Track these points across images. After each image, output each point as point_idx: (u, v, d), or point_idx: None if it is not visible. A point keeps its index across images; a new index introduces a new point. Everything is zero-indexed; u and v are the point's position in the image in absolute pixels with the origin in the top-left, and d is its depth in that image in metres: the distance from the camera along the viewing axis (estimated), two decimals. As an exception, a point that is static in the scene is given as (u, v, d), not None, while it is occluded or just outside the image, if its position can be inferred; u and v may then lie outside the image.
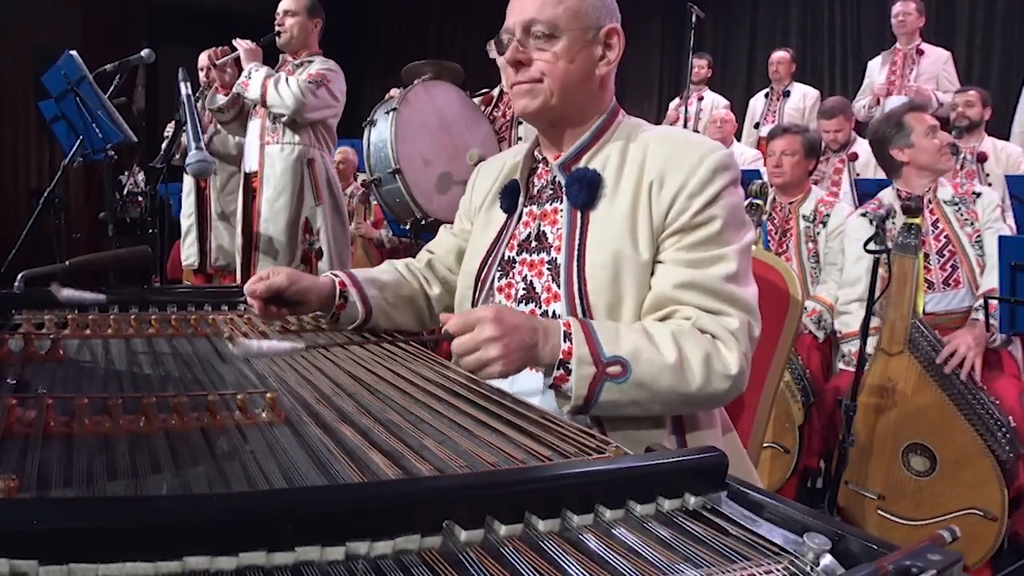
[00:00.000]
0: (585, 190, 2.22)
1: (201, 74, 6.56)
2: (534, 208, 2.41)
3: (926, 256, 4.69)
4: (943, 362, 4.21)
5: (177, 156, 6.70)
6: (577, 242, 2.22)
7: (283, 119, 5.72)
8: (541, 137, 2.44)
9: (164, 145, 6.54)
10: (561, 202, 2.31)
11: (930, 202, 4.74)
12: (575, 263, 2.19)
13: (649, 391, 1.96)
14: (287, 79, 5.60)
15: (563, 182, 2.31)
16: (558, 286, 2.23)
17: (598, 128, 2.33)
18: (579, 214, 2.24)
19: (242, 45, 5.84)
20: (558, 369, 1.96)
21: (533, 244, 2.35)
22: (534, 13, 2.19)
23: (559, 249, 2.26)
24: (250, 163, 6.00)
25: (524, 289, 2.32)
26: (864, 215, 4.88)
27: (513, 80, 2.28)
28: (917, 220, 4.21)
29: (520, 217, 2.44)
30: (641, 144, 2.25)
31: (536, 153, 2.48)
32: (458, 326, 1.94)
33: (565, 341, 1.97)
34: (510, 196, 2.47)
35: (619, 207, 2.18)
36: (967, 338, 4.24)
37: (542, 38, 2.20)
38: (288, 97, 5.55)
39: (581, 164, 2.30)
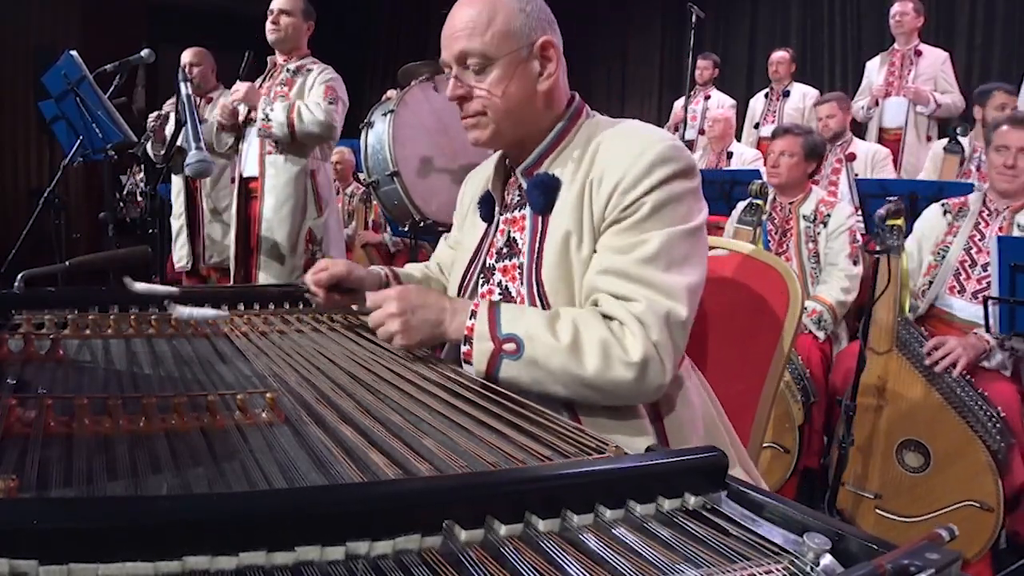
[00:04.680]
0: (543, 195, 2.27)
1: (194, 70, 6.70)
2: (507, 215, 2.45)
3: (972, 264, 4.70)
4: (928, 353, 4.25)
5: (160, 153, 6.72)
6: (537, 245, 2.27)
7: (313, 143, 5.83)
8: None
9: (147, 132, 6.59)
10: (527, 208, 2.35)
11: (1005, 219, 4.68)
12: (534, 265, 2.26)
13: (544, 371, 2.04)
14: (305, 107, 5.66)
15: (526, 188, 2.35)
16: (524, 289, 2.29)
17: (557, 133, 2.35)
18: (540, 218, 2.29)
19: (239, 91, 5.86)
20: (464, 344, 2.12)
21: (505, 251, 2.41)
22: (464, 45, 2.23)
23: (524, 254, 2.32)
24: (249, 168, 6.03)
25: (500, 294, 2.38)
26: (942, 205, 4.91)
27: (461, 115, 2.33)
28: (899, 222, 4.21)
29: (497, 226, 2.48)
30: (596, 143, 2.26)
31: (507, 161, 2.51)
32: (372, 302, 2.26)
33: (471, 319, 2.12)
34: (486, 206, 2.54)
35: (568, 206, 2.22)
36: (960, 340, 4.26)
37: (476, 70, 2.24)
38: (317, 126, 5.64)
39: (542, 169, 2.34)
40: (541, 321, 2.06)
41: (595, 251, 2.18)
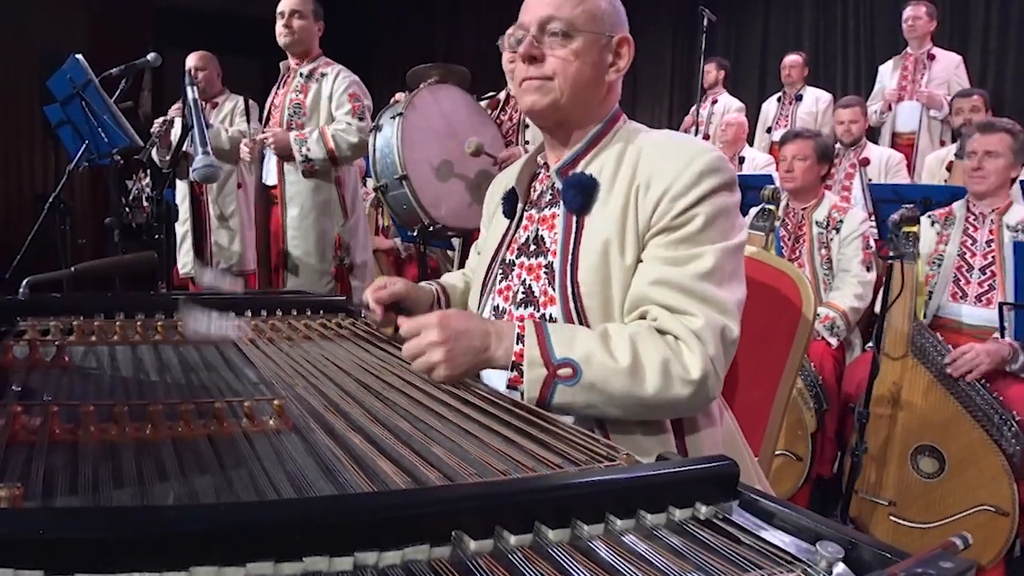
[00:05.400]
0: (580, 195, 2.23)
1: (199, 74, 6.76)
2: (534, 212, 2.43)
3: (969, 269, 4.74)
4: (951, 361, 4.25)
5: (166, 159, 6.73)
6: (571, 246, 2.23)
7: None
8: (545, 138, 2.45)
9: (152, 137, 6.59)
10: (559, 207, 2.32)
11: (992, 222, 4.77)
12: (568, 267, 2.22)
13: (602, 394, 1.98)
14: (340, 133, 5.71)
15: (560, 187, 2.32)
16: (554, 290, 2.24)
17: (596, 133, 2.33)
18: (574, 219, 2.26)
19: (269, 139, 5.91)
20: (512, 371, 2.02)
21: (532, 248, 2.37)
22: (552, 10, 2.19)
23: (555, 253, 2.28)
24: (269, 176, 6.05)
25: (523, 293, 2.34)
26: (928, 216, 4.95)
27: (524, 75, 2.28)
28: (914, 228, 4.23)
29: (520, 221, 2.47)
30: (636, 148, 2.25)
31: (539, 159, 2.50)
32: (408, 330, 2.06)
33: (518, 343, 2.02)
34: (509, 202, 2.52)
35: (611, 211, 2.18)
36: (982, 346, 4.26)
37: (558, 36, 2.20)
38: (353, 150, 5.76)
39: (578, 169, 2.31)
40: (596, 342, 2.01)
41: (639, 259, 2.16)
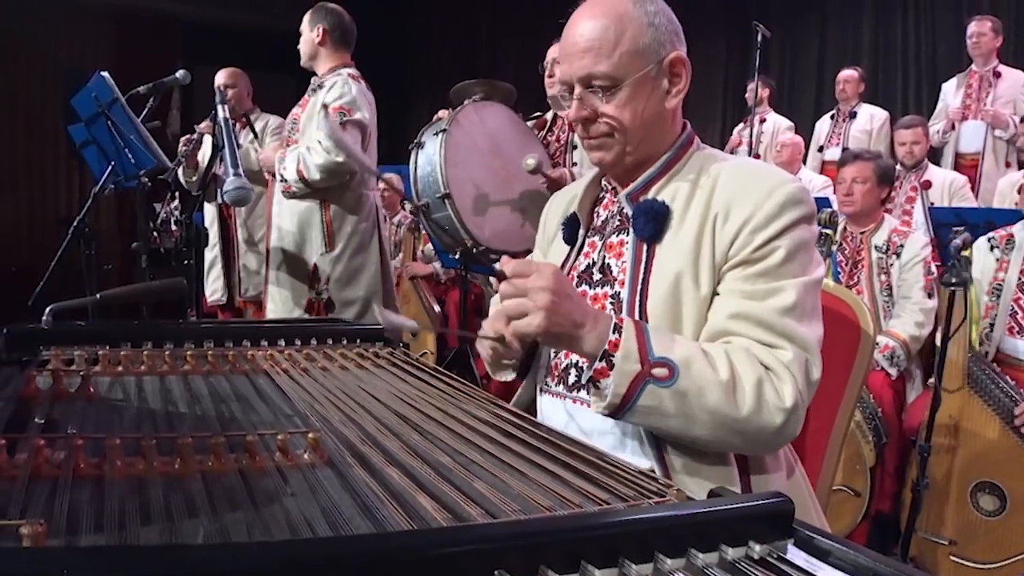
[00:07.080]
0: (652, 222, 2.20)
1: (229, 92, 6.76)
2: (597, 239, 2.40)
3: None
4: (1020, 413, 4.21)
5: (193, 180, 6.75)
6: (641, 276, 2.20)
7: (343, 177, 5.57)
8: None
9: (178, 157, 6.60)
10: (628, 234, 2.29)
11: None
12: (637, 297, 2.18)
13: (693, 405, 1.94)
14: (308, 153, 5.41)
15: (630, 213, 2.29)
16: None
17: (669, 159, 2.30)
18: (645, 247, 2.23)
19: (262, 156, 5.98)
20: (600, 360, 1.97)
21: (596, 277, 2.34)
22: (590, 68, 2.17)
23: (623, 283, 2.24)
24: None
25: None
26: (988, 239, 4.84)
27: (582, 135, 2.28)
28: (967, 253, 4.17)
29: (581, 248, 2.44)
30: (712, 175, 2.22)
31: (604, 182, 2.48)
32: (516, 269, 1.97)
33: (614, 333, 1.98)
34: (570, 227, 2.48)
35: (684, 240, 2.16)
36: None
37: (602, 92, 2.18)
38: (320, 172, 5.39)
39: (649, 195, 2.28)
40: (696, 351, 1.99)
41: (715, 292, 2.14)
